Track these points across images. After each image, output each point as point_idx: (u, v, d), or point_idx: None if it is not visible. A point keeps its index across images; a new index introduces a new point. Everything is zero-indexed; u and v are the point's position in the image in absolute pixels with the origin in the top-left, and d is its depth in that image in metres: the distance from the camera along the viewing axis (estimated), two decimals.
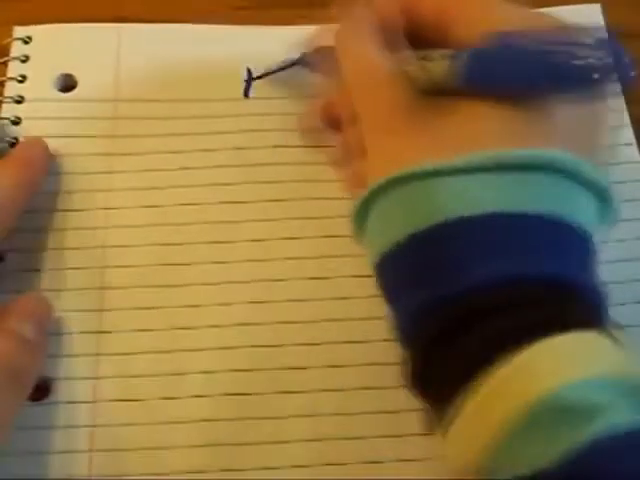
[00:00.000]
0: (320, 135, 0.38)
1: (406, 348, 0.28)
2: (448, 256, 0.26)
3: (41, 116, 0.40)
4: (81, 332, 0.36)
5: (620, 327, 0.26)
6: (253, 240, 0.38)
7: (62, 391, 0.35)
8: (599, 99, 0.29)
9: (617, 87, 0.40)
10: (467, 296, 0.26)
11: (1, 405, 0.31)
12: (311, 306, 0.37)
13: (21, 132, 0.39)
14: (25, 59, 0.41)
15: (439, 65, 0.29)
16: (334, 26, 0.34)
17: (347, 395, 0.35)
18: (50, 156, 0.39)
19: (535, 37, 0.27)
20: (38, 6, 0.42)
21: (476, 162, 0.27)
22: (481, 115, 0.28)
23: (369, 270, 0.37)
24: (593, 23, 0.42)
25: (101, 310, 0.36)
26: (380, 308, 0.36)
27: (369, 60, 0.30)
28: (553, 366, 0.24)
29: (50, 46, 0.41)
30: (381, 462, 0.34)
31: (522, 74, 0.27)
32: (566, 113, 0.28)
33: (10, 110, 0.40)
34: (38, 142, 0.38)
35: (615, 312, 0.33)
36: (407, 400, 0.34)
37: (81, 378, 0.35)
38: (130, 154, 0.39)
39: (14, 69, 0.40)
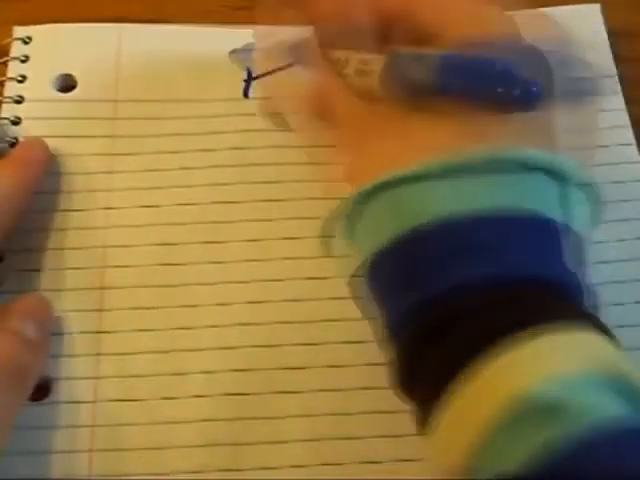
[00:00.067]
0: (283, 119, 0.38)
1: (394, 348, 0.28)
2: (432, 258, 0.27)
3: (41, 116, 0.40)
4: (81, 332, 0.36)
5: (607, 326, 0.27)
6: (252, 240, 0.38)
7: (62, 391, 0.35)
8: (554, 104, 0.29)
9: (617, 87, 0.41)
10: (451, 296, 0.26)
11: (2, 405, 0.31)
12: (309, 306, 0.37)
13: (21, 132, 0.39)
14: (25, 59, 0.41)
15: (372, 71, 0.29)
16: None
17: (345, 395, 0.35)
18: (50, 156, 0.39)
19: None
20: (38, 6, 0.42)
21: (460, 164, 0.27)
22: (453, 120, 0.28)
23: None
24: (593, 23, 0.42)
25: (101, 310, 0.36)
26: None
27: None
28: (536, 364, 0.24)
29: (50, 46, 0.41)
30: (379, 462, 0.34)
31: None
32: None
33: (10, 110, 0.40)
34: (38, 142, 0.39)
35: (615, 312, 0.34)
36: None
37: (81, 378, 0.35)
38: (130, 154, 0.39)
39: (14, 69, 0.40)
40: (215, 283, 0.37)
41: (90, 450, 0.34)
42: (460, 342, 0.25)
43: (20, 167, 0.37)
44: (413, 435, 0.33)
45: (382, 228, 0.28)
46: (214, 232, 0.38)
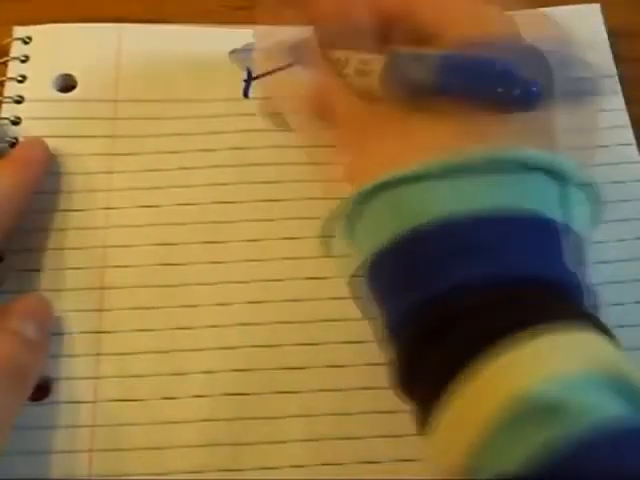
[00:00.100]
0: (283, 119, 0.38)
1: (394, 348, 0.28)
2: (432, 258, 0.27)
3: (41, 116, 0.40)
4: (81, 332, 0.36)
5: (607, 326, 0.27)
6: (252, 240, 0.38)
7: (62, 391, 0.35)
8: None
9: (617, 87, 0.41)
10: (451, 296, 0.26)
11: (2, 405, 0.31)
12: (309, 306, 0.37)
13: (21, 132, 0.39)
14: (25, 59, 0.41)
15: (372, 71, 0.29)
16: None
17: (345, 395, 0.35)
18: (50, 156, 0.39)
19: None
20: (38, 6, 0.42)
21: (467, 163, 0.27)
22: (453, 120, 0.28)
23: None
24: (593, 23, 0.42)
25: (101, 310, 0.36)
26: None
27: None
28: (536, 364, 0.24)
29: (50, 46, 0.41)
30: (379, 462, 0.34)
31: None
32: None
33: (10, 110, 0.40)
34: (38, 142, 0.39)
35: (615, 312, 0.34)
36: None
37: (81, 378, 0.35)
38: (130, 154, 0.39)
39: (14, 69, 0.40)
40: (215, 283, 0.37)
41: (90, 450, 0.34)
42: (460, 342, 0.25)
43: (20, 167, 0.37)
44: (413, 435, 0.33)
45: (382, 228, 0.28)
46: (214, 232, 0.38)
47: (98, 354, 0.35)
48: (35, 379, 0.34)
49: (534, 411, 0.23)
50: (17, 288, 0.36)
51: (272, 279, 0.37)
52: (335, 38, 0.32)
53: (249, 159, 0.39)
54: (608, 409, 0.23)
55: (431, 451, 0.26)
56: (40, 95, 0.40)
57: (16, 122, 0.39)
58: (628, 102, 0.41)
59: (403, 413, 0.34)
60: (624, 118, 0.40)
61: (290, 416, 0.35)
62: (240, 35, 0.41)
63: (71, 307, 0.36)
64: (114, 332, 0.36)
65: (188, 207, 0.38)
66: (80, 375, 0.35)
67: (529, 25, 0.30)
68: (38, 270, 0.37)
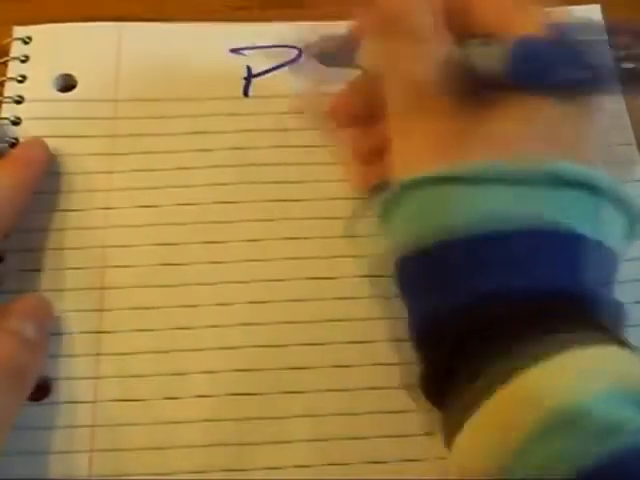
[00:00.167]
0: (324, 121, 0.37)
1: (419, 349, 0.28)
2: (467, 265, 0.26)
3: (41, 116, 0.39)
4: (81, 332, 0.36)
5: (630, 343, 0.26)
6: (253, 240, 0.38)
7: (62, 391, 0.34)
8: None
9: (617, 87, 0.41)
10: (486, 305, 0.26)
11: (2, 405, 0.31)
12: (314, 306, 0.36)
13: (21, 132, 0.39)
14: (25, 59, 0.40)
15: (493, 53, 0.28)
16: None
17: (350, 395, 0.35)
18: (50, 156, 0.38)
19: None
20: (38, 6, 0.42)
21: (504, 173, 0.26)
22: (520, 115, 0.27)
23: (372, 270, 0.37)
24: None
25: (101, 310, 0.36)
26: (383, 308, 0.36)
27: (422, 40, 0.29)
28: (576, 377, 0.24)
29: (50, 46, 0.41)
30: (384, 462, 0.34)
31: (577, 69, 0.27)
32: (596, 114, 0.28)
33: (10, 110, 0.39)
34: (38, 142, 0.38)
35: None
36: (410, 400, 0.34)
37: (81, 378, 0.35)
38: (130, 154, 0.39)
39: (14, 69, 0.40)
40: (215, 283, 0.37)
41: (90, 450, 0.33)
42: (493, 353, 0.25)
43: (20, 167, 0.37)
44: (419, 435, 0.33)
45: (413, 226, 0.28)
46: (214, 232, 0.38)
47: (98, 354, 0.35)
48: (34, 379, 0.33)
49: (570, 425, 0.23)
50: (17, 288, 0.36)
51: (274, 279, 0.37)
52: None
53: (249, 159, 0.39)
54: (638, 424, 0.22)
55: (451, 455, 0.26)
56: (40, 95, 0.40)
57: (16, 122, 0.39)
58: (628, 102, 0.41)
59: (409, 413, 0.35)
60: (624, 118, 0.41)
61: (295, 416, 0.34)
62: (240, 33, 0.41)
63: (71, 307, 0.36)
64: (114, 332, 0.36)
65: (188, 207, 0.38)
66: (80, 375, 0.35)
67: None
68: (38, 270, 0.37)
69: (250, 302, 0.37)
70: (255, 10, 0.43)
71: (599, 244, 0.27)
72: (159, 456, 0.34)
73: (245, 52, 0.41)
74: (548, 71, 0.27)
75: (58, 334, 0.35)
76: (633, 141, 0.40)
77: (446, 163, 0.27)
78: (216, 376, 0.35)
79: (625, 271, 0.37)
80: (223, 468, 0.34)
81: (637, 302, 0.36)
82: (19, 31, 0.41)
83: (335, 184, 0.38)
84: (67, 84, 0.41)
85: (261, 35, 0.42)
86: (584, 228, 0.26)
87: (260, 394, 0.35)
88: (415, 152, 0.28)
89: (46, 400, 0.34)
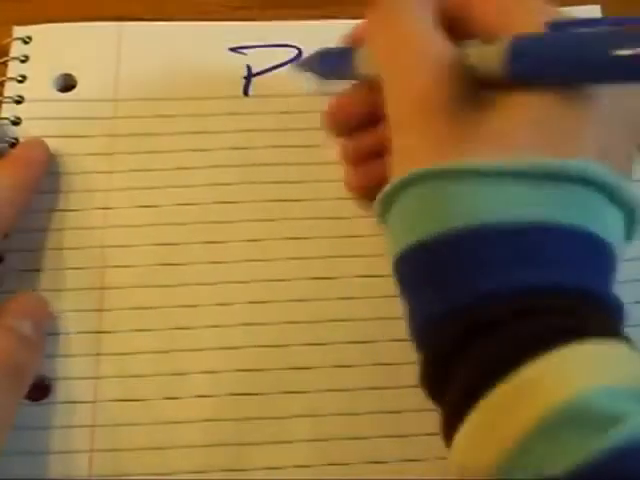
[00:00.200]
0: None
1: (419, 348, 0.28)
2: (467, 262, 0.26)
3: (41, 116, 0.39)
4: (81, 332, 0.36)
5: (631, 341, 0.26)
6: (253, 240, 0.38)
7: (62, 391, 0.34)
8: None
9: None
10: (488, 302, 0.25)
11: (1, 403, 0.31)
12: (315, 306, 0.36)
13: (21, 132, 0.39)
14: (25, 59, 0.40)
15: (492, 52, 0.28)
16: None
17: (351, 395, 0.35)
18: (50, 156, 0.38)
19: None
20: (38, 6, 0.42)
21: (506, 168, 0.26)
22: (520, 112, 0.27)
23: (373, 270, 0.37)
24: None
25: (101, 310, 0.36)
26: (385, 308, 0.36)
27: (419, 39, 0.29)
28: (576, 372, 0.23)
29: (50, 46, 0.41)
30: (385, 462, 0.34)
31: (577, 62, 0.26)
32: (613, 107, 0.27)
33: (10, 110, 0.39)
34: (38, 142, 0.38)
35: None
36: (411, 400, 0.34)
37: (81, 378, 0.35)
38: (129, 153, 0.39)
39: (14, 69, 0.40)
40: (215, 283, 0.37)
41: (90, 450, 0.34)
42: (495, 348, 0.25)
43: (20, 167, 0.37)
44: (419, 435, 0.33)
45: (414, 224, 0.27)
46: (214, 232, 0.38)
47: (98, 354, 0.35)
48: (32, 378, 0.33)
49: (572, 420, 0.22)
50: (17, 288, 0.36)
51: (274, 279, 0.37)
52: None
53: (249, 158, 0.39)
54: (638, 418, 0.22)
55: (451, 453, 0.26)
56: (40, 95, 0.40)
57: (16, 122, 0.39)
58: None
59: (409, 413, 0.35)
60: None
61: (296, 416, 0.35)
62: (240, 32, 0.41)
63: (71, 307, 0.36)
64: (114, 332, 0.36)
65: (188, 207, 0.38)
66: (80, 375, 0.35)
67: None
68: (38, 270, 0.37)
69: (250, 302, 0.37)
70: (255, 10, 0.42)
71: (601, 241, 0.27)
72: (159, 456, 0.34)
73: (245, 51, 0.41)
74: (547, 68, 0.27)
75: (58, 334, 0.35)
76: None
77: (445, 160, 0.27)
78: (216, 376, 0.35)
79: (625, 271, 0.37)
80: (223, 468, 0.34)
81: (637, 302, 0.37)
82: (19, 31, 0.41)
83: (335, 184, 0.38)
84: (67, 84, 0.40)
85: (261, 35, 0.41)
86: (586, 225, 0.26)
87: (260, 394, 0.35)
88: (414, 152, 0.28)
89: (46, 400, 0.34)
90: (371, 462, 0.34)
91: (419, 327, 0.27)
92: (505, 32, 0.28)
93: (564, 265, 0.26)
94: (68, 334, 0.36)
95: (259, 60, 0.41)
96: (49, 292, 0.36)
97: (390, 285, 0.29)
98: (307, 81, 0.40)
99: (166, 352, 0.35)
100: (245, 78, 0.41)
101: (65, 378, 0.35)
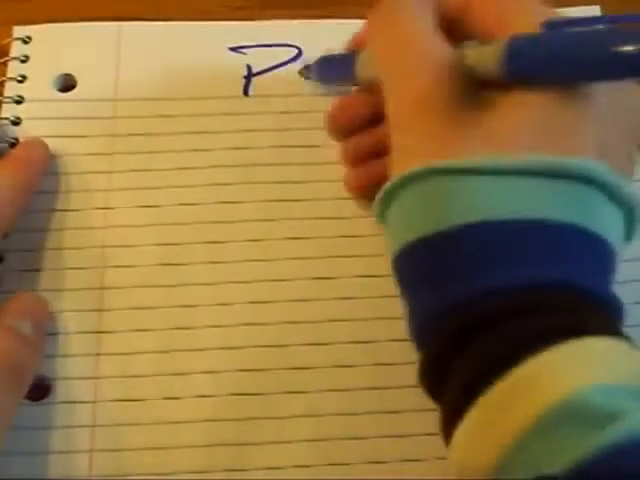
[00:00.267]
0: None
1: (418, 346, 0.28)
2: (467, 259, 0.26)
3: (41, 116, 0.39)
4: (81, 332, 0.36)
5: (631, 339, 0.26)
6: (253, 240, 0.38)
7: (62, 391, 0.34)
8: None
9: None
10: (487, 299, 0.25)
11: (1, 403, 0.31)
12: (315, 306, 0.36)
13: (21, 132, 0.39)
14: (25, 59, 0.40)
15: (489, 53, 0.28)
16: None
17: (351, 395, 0.35)
18: (50, 156, 0.38)
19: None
20: (38, 6, 0.42)
21: (506, 166, 0.26)
22: (518, 111, 0.27)
23: (373, 270, 0.37)
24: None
25: (101, 310, 0.36)
26: (385, 308, 0.36)
27: (418, 39, 0.29)
28: (574, 369, 0.23)
29: (50, 46, 0.41)
30: (385, 462, 0.34)
31: (576, 61, 0.26)
32: (612, 104, 0.28)
33: (10, 110, 0.39)
34: (38, 142, 0.38)
35: None
36: (411, 400, 0.34)
37: (81, 378, 0.35)
38: (129, 153, 0.39)
39: (14, 69, 0.40)
40: (216, 283, 0.37)
41: (90, 450, 0.33)
42: (494, 345, 0.25)
43: (20, 167, 0.37)
44: (419, 435, 0.33)
45: (413, 222, 0.27)
46: (215, 232, 0.38)
47: (98, 354, 0.35)
48: (31, 378, 0.33)
49: (570, 416, 0.22)
50: (17, 288, 0.36)
51: (275, 279, 0.37)
52: None
53: (250, 158, 0.39)
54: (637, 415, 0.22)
55: (450, 451, 0.26)
56: (40, 95, 0.40)
57: (16, 122, 0.39)
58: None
59: (410, 413, 0.35)
60: None
61: (297, 416, 0.35)
62: (240, 32, 0.41)
63: (71, 307, 0.36)
64: (114, 332, 0.36)
65: (188, 207, 0.38)
66: (80, 375, 0.35)
67: None
68: (37, 270, 0.37)
69: (251, 302, 0.37)
70: (255, 10, 0.43)
71: (600, 239, 0.27)
72: (159, 456, 0.34)
73: (245, 51, 0.41)
74: (544, 67, 0.27)
75: (58, 334, 0.35)
76: None
77: (448, 156, 0.27)
78: (217, 376, 0.35)
79: (625, 271, 0.37)
80: (224, 468, 0.34)
81: (637, 302, 0.36)
82: (19, 31, 0.41)
83: (335, 184, 0.38)
84: (67, 84, 0.40)
85: (261, 35, 0.41)
86: (586, 223, 0.26)
87: (261, 394, 0.35)
88: (414, 150, 0.28)
89: (46, 400, 0.34)
90: (371, 462, 0.34)
91: (419, 326, 0.28)
92: (503, 33, 0.28)
93: (564, 263, 0.26)
94: (68, 334, 0.36)
95: (259, 60, 0.41)
96: (49, 292, 0.36)
97: (390, 285, 0.29)
98: (308, 86, 0.40)
99: (166, 352, 0.35)
100: (245, 78, 0.41)
101: (65, 378, 0.35)
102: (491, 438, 0.24)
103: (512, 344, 0.24)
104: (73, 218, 0.38)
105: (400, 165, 0.28)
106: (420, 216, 0.27)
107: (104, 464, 0.33)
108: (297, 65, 0.41)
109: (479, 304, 0.25)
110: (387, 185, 0.29)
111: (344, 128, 0.35)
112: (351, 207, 0.37)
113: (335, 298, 0.37)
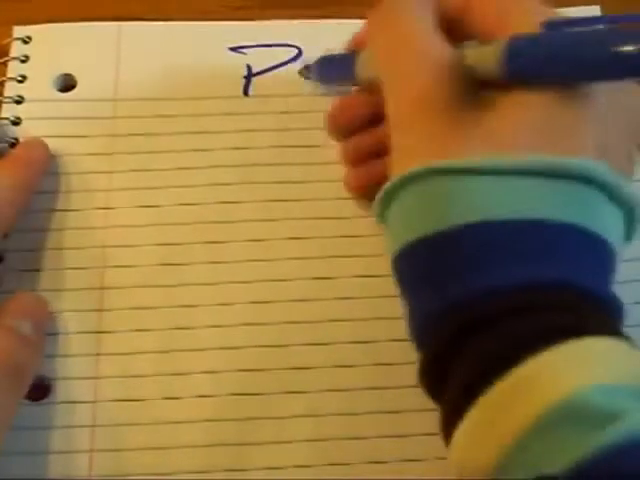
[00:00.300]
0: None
1: (418, 346, 0.28)
2: (466, 259, 0.26)
3: (41, 116, 0.39)
4: (81, 332, 0.36)
5: (631, 339, 0.26)
6: (254, 240, 0.38)
7: (62, 391, 0.34)
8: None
9: None
10: (487, 298, 0.25)
11: (1, 403, 0.31)
12: (316, 306, 0.36)
13: (21, 132, 0.39)
14: (25, 59, 0.40)
15: (489, 53, 0.28)
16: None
17: (351, 395, 0.35)
18: (50, 156, 0.38)
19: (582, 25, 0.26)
20: (38, 6, 0.42)
21: (506, 166, 0.26)
22: (518, 111, 0.27)
23: (373, 270, 0.37)
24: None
25: (101, 310, 0.36)
26: (385, 308, 0.36)
27: (419, 39, 0.29)
28: (574, 369, 0.23)
29: (50, 46, 0.41)
30: (385, 462, 0.34)
31: (576, 61, 0.26)
32: (612, 104, 0.28)
33: (10, 110, 0.39)
34: (38, 142, 0.38)
35: None
36: (411, 400, 0.34)
37: (81, 378, 0.35)
38: (129, 153, 0.39)
39: (14, 69, 0.40)
40: (216, 283, 0.37)
41: (90, 450, 0.33)
42: (493, 345, 0.25)
43: (20, 167, 0.37)
44: (419, 435, 0.33)
45: (413, 222, 0.27)
46: (215, 232, 0.38)
47: (98, 354, 0.35)
48: (31, 378, 0.33)
49: (570, 416, 0.22)
50: (17, 288, 0.36)
51: (275, 279, 0.37)
52: None
53: (250, 158, 0.39)
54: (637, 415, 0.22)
55: (450, 452, 0.26)
56: (40, 95, 0.40)
57: (16, 122, 0.39)
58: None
59: (410, 413, 0.35)
60: None
61: (297, 416, 0.35)
62: (240, 32, 0.41)
63: (71, 307, 0.36)
64: (114, 332, 0.36)
65: (189, 207, 0.38)
66: (80, 375, 0.35)
67: None
68: (38, 270, 0.37)
69: (251, 302, 0.37)
70: (255, 10, 0.43)
71: (600, 239, 0.27)
72: (159, 456, 0.34)
73: (245, 51, 0.41)
74: (543, 67, 0.27)
75: (58, 334, 0.35)
76: None
77: (448, 156, 0.27)
78: (217, 376, 0.35)
79: (625, 271, 0.37)
80: (224, 468, 0.34)
81: (637, 302, 0.36)
82: (19, 31, 0.41)
83: (336, 184, 0.38)
84: (67, 84, 0.40)
85: (261, 35, 0.41)
86: (586, 223, 0.26)
87: (261, 394, 0.35)
88: (414, 150, 0.28)
89: (46, 400, 0.34)
90: (371, 462, 0.34)
91: (418, 326, 0.28)
92: (503, 33, 0.28)
93: (563, 262, 0.26)
94: (68, 334, 0.36)
95: (259, 60, 0.41)
96: (49, 292, 0.36)
97: (390, 285, 0.29)
98: (308, 86, 0.40)
99: (166, 352, 0.35)
100: (245, 78, 0.41)
101: (65, 378, 0.35)
102: (491, 438, 0.24)
103: (512, 344, 0.24)
104: (73, 218, 0.38)
105: (400, 165, 0.28)
106: (420, 216, 0.27)
107: (104, 464, 0.33)
108: (297, 65, 0.41)
109: (479, 304, 0.25)
110: (387, 185, 0.29)
111: (344, 128, 0.35)
112: (351, 207, 0.37)
113: (335, 298, 0.37)
